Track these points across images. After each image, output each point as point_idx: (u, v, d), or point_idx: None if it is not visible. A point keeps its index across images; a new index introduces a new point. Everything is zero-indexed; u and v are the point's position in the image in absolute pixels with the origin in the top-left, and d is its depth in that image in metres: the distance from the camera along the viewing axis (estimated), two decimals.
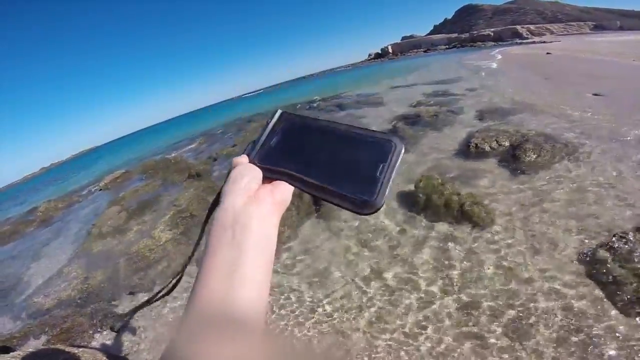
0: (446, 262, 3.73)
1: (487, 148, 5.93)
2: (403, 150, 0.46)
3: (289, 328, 3.38)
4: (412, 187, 5.29)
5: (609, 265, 3.04)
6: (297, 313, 3.56)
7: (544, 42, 43.04)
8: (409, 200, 5.10)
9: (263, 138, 0.53)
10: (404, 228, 4.56)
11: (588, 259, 3.25)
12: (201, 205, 7.21)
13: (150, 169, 13.12)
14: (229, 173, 0.50)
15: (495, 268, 3.46)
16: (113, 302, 4.62)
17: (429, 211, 4.68)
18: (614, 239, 3.23)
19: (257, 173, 0.49)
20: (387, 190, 0.43)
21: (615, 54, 16.81)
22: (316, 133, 0.51)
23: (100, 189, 13.21)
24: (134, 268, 5.35)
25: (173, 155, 16.12)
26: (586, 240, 3.49)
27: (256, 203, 0.44)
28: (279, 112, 0.56)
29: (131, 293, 4.72)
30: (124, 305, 4.51)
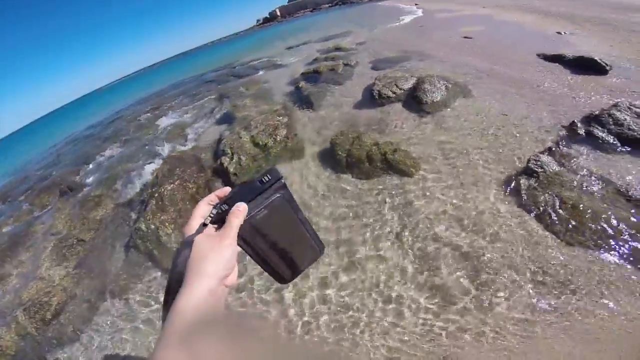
0: (385, 217, 3.63)
1: (390, 93, 6.04)
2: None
3: None
4: (329, 145, 5.01)
5: (533, 190, 3.31)
6: None
7: None
8: (330, 161, 4.83)
9: (258, 208, 0.57)
10: (331, 192, 4.29)
11: (512, 187, 3.50)
12: (86, 226, 5.68)
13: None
14: (216, 218, 0.58)
15: (434, 214, 3.48)
16: None
17: (354, 168, 4.49)
18: (529, 164, 3.52)
19: (233, 260, 0.56)
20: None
21: (468, 3, 19.30)
22: (290, 222, 0.61)
23: None
24: (40, 319, 4.05)
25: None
26: (505, 170, 3.76)
27: (217, 300, 0.51)
28: (281, 182, 0.60)
29: (59, 347, 3.62)
30: None
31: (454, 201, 3.57)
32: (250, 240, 0.57)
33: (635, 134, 3.73)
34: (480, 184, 3.70)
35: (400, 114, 5.57)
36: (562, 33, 8.12)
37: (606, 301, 2.38)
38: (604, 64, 5.52)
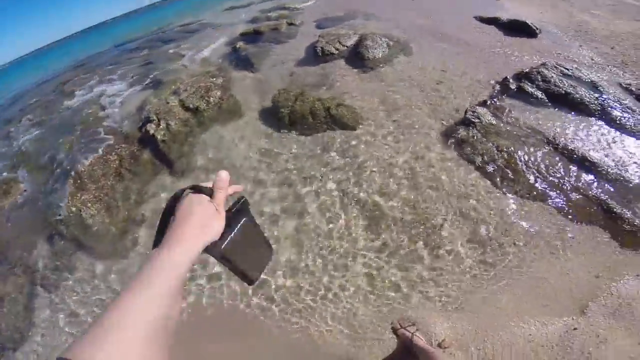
0: (330, 172, 3.50)
1: (333, 50, 5.77)
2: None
3: None
4: (270, 104, 4.70)
5: (471, 139, 3.29)
6: None
7: None
8: (272, 119, 4.53)
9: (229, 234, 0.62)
10: (275, 150, 4.05)
11: (452, 137, 3.48)
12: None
13: None
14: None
15: (378, 166, 3.37)
16: None
17: (297, 124, 4.26)
18: (467, 115, 3.49)
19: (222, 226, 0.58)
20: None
21: None
22: (254, 236, 0.70)
23: None
24: None
25: None
26: (444, 121, 3.75)
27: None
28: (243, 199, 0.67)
29: (9, 350, 3.16)
30: None
31: (397, 153, 3.50)
32: (229, 257, 0.61)
33: (561, 90, 3.93)
34: (421, 136, 3.66)
35: (343, 70, 5.36)
36: None
37: (541, 252, 2.44)
38: (535, 28, 5.75)
